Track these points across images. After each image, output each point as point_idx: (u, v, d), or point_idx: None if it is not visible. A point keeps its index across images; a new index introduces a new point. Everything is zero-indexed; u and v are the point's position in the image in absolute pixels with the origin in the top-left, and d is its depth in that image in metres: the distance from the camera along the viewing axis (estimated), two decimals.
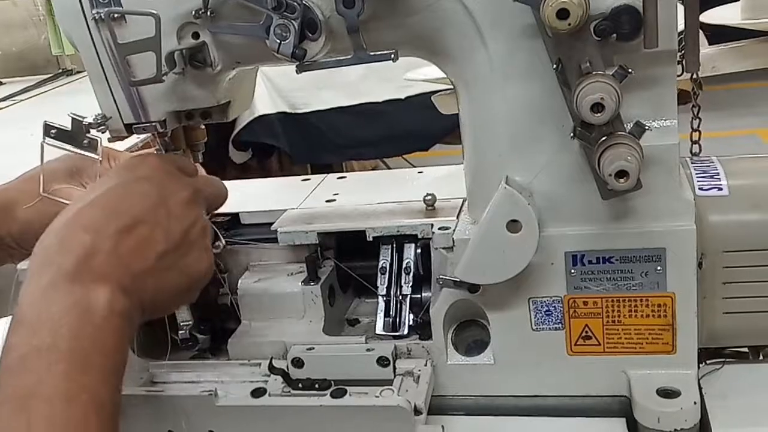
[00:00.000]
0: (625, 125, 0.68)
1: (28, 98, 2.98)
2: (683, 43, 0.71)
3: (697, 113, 0.94)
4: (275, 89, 2.83)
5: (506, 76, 0.72)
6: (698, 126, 0.94)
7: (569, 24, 0.62)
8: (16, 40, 3.64)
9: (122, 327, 0.63)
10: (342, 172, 3.22)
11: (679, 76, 0.73)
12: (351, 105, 2.85)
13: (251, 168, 3.12)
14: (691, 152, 0.92)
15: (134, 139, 0.95)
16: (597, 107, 0.64)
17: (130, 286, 0.65)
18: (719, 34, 1.46)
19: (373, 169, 3.85)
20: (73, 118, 0.82)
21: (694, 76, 0.89)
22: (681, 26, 0.69)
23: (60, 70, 3.39)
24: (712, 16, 1.41)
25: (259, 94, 2.78)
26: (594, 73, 0.65)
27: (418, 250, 0.84)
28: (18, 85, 3.18)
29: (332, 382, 0.78)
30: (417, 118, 2.76)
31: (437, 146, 2.95)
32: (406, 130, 2.87)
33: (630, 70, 0.66)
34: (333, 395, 0.75)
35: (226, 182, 1.03)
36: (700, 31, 1.51)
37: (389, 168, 3.55)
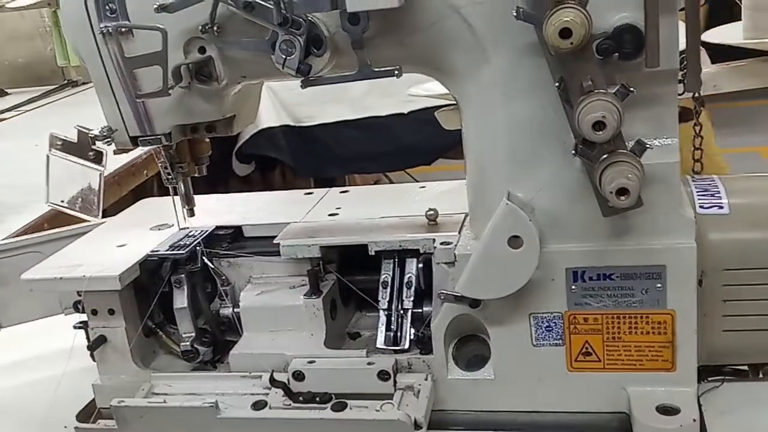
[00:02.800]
0: (626, 143, 0.68)
1: (33, 109, 3.00)
2: (685, 63, 0.72)
3: (699, 131, 0.95)
4: (279, 102, 2.84)
5: (509, 94, 0.73)
6: (700, 144, 0.95)
7: (571, 43, 0.62)
8: (22, 51, 3.67)
9: None
10: (345, 185, 3.21)
11: (680, 95, 0.73)
12: (354, 119, 2.86)
13: (254, 181, 3.12)
14: (693, 171, 0.93)
15: (139, 151, 0.96)
16: (598, 125, 0.64)
17: None
18: (721, 53, 1.47)
19: (375, 183, 3.86)
20: (79, 131, 0.84)
21: (696, 95, 0.90)
22: (683, 46, 0.70)
23: (65, 81, 3.40)
24: (714, 35, 1.42)
25: (263, 108, 2.79)
26: (596, 91, 0.66)
27: (420, 265, 0.84)
28: (23, 95, 3.19)
29: (333, 395, 0.78)
30: (420, 133, 2.76)
31: (440, 161, 2.95)
32: (409, 145, 2.87)
33: (632, 89, 0.66)
34: (333, 408, 0.76)
35: (229, 195, 1.04)
36: (702, 50, 1.53)
37: (392, 182, 3.56)
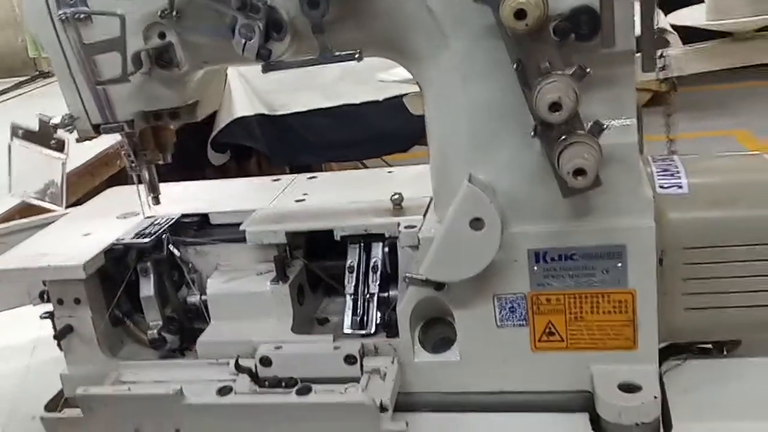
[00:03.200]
0: (584, 124, 0.69)
1: (3, 101, 2.96)
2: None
3: (670, 116, 0.96)
4: (253, 91, 2.83)
5: (468, 76, 0.73)
6: (670, 128, 0.96)
7: (527, 24, 0.63)
8: None
9: None
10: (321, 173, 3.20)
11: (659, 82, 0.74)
12: (329, 107, 2.85)
13: (230, 170, 3.11)
14: (669, 151, 0.94)
15: (111, 140, 0.95)
16: (555, 106, 0.65)
17: None
18: (693, 35, 1.48)
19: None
20: (40, 119, 0.83)
21: (662, 77, 0.91)
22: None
23: (37, 72, 3.36)
24: (680, 17, 1.43)
25: (237, 96, 2.77)
26: (553, 72, 0.66)
27: (386, 249, 0.84)
28: None
29: (299, 380, 0.78)
30: (395, 120, 2.76)
31: (416, 147, 2.96)
32: (385, 132, 2.87)
33: (588, 70, 0.67)
34: (298, 393, 0.76)
35: (195, 183, 1.04)
36: (674, 32, 1.54)
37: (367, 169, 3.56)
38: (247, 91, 2.82)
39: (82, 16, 0.76)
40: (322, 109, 2.87)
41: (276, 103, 2.86)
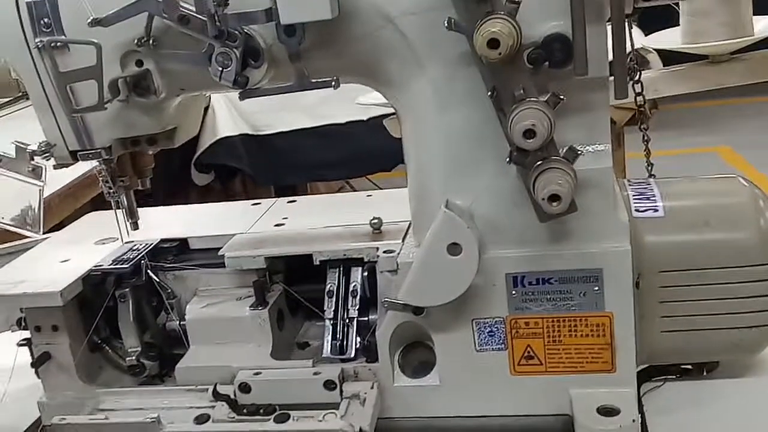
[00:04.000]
0: (559, 150, 0.70)
1: None
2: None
3: (646, 135, 0.97)
4: (237, 111, 2.83)
5: (445, 102, 0.73)
6: (647, 147, 0.97)
7: (500, 53, 0.63)
8: None
9: None
10: (307, 193, 3.21)
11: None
12: (314, 126, 2.86)
13: (214, 190, 3.10)
14: (648, 172, 0.94)
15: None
16: (529, 133, 0.65)
17: None
18: (670, 56, 1.49)
19: (339, 190, 3.86)
20: (17, 146, 0.83)
21: (640, 100, 0.92)
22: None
23: (20, 93, 3.35)
24: (657, 40, 1.45)
25: (221, 116, 2.77)
26: (527, 99, 0.67)
27: (365, 273, 0.84)
28: None
29: (277, 407, 0.78)
30: (379, 139, 2.76)
31: (400, 166, 2.97)
32: (369, 151, 2.87)
33: (562, 97, 0.67)
34: (276, 420, 0.76)
35: (175, 207, 1.04)
36: (655, 54, 1.55)
37: (354, 188, 3.56)
38: (231, 111, 2.82)
39: (58, 44, 0.76)
40: (306, 128, 2.87)
41: (260, 123, 2.87)
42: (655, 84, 1.28)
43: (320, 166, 2.97)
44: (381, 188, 3.42)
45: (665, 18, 1.30)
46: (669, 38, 1.41)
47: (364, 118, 2.82)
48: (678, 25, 1.38)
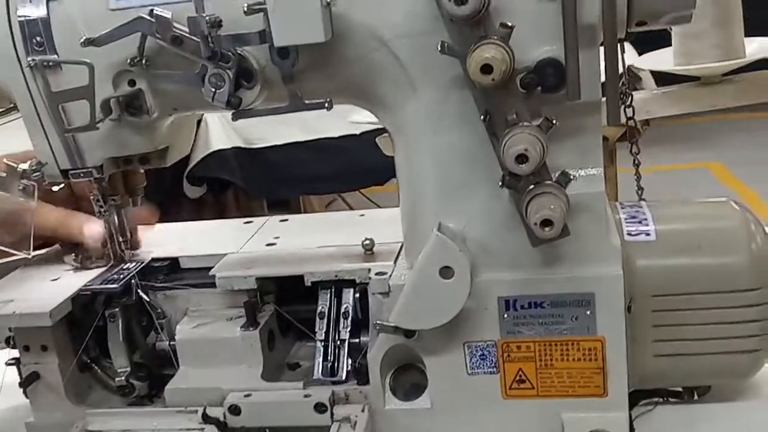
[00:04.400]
0: (552, 174, 0.70)
1: None
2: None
3: (636, 159, 0.97)
4: (230, 124, 2.82)
5: (438, 125, 0.73)
6: (637, 168, 0.97)
7: (493, 79, 0.63)
8: None
9: None
10: (300, 206, 3.19)
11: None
12: (307, 140, 2.86)
13: (207, 203, 3.09)
14: (639, 196, 0.95)
15: None
16: (521, 158, 0.65)
17: None
18: (663, 76, 1.50)
19: (330, 203, 3.86)
20: (7, 165, 0.82)
21: (631, 122, 0.92)
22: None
23: (11, 105, 3.34)
24: (649, 61, 1.46)
25: (213, 129, 2.77)
26: (520, 124, 0.67)
27: (357, 295, 0.84)
28: None
29: (267, 429, 0.77)
30: (373, 154, 2.76)
31: (393, 180, 2.97)
32: (362, 165, 2.87)
33: (554, 122, 0.67)
34: None
35: (166, 225, 1.03)
36: (648, 73, 1.56)
37: (347, 202, 3.56)
38: (224, 124, 2.82)
39: (50, 63, 0.76)
40: (299, 142, 2.87)
41: (253, 136, 2.86)
42: (647, 105, 1.29)
43: (313, 180, 2.97)
44: (373, 202, 3.44)
45: (659, 38, 1.31)
46: (662, 59, 1.42)
47: (357, 133, 2.82)
48: (666, 44, 1.39)
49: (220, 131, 2.81)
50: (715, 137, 4.79)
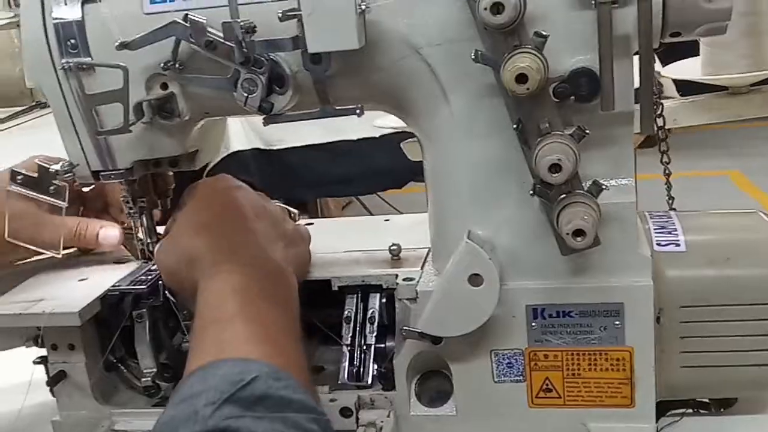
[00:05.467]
0: (583, 183, 0.69)
1: (1, 130, 2.96)
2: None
3: (667, 169, 0.96)
4: (250, 126, 2.84)
5: (469, 133, 0.73)
6: (668, 177, 0.96)
7: (527, 89, 0.63)
8: None
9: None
10: (317, 208, 3.19)
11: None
12: (325, 142, 2.86)
13: None
14: (669, 206, 0.94)
15: None
16: (555, 168, 0.65)
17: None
18: (687, 85, 1.49)
19: (347, 205, 3.87)
20: (39, 165, 0.83)
21: (660, 134, 0.92)
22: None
23: (34, 103, 3.37)
24: (676, 71, 1.45)
25: (233, 130, 2.78)
26: (552, 133, 0.67)
27: (383, 300, 0.84)
28: None
29: None
30: (391, 157, 2.77)
31: (411, 183, 2.97)
32: (380, 169, 2.87)
33: (587, 131, 0.67)
34: None
35: None
36: (671, 82, 1.55)
37: (364, 205, 3.56)
38: (244, 125, 2.83)
39: (84, 66, 0.76)
40: (318, 144, 2.88)
41: (272, 138, 2.87)
42: (674, 114, 1.28)
43: (331, 182, 2.97)
44: (390, 204, 3.44)
45: (683, 48, 1.31)
46: (688, 68, 1.41)
47: (377, 136, 2.83)
48: (696, 54, 1.39)
49: (240, 132, 2.82)
50: (734, 145, 4.76)
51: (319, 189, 3.03)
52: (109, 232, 0.93)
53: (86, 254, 0.98)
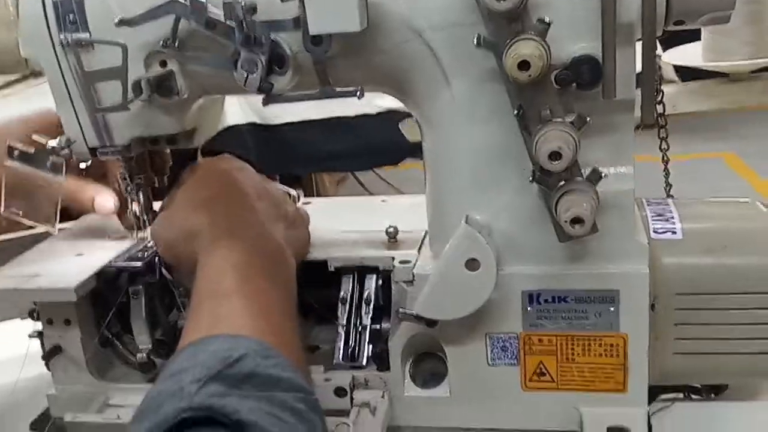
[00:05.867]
0: (582, 170, 0.69)
1: None
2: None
3: (665, 156, 0.96)
4: (246, 100, 2.82)
5: (469, 118, 0.73)
6: (666, 165, 0.96)
7: (530, 75, 0.63)
8: None
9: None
10: (312, 183, 3.18)
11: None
12: (322, 118, 2.85)
13: None
14: (667, 193, 0.94)
15: None
16: (555, 155, 0.65)
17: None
18: (687, 70, 1.49)
19: (342, 180, 3.86)
20: (36, 141, 0.82)
21: (660, 120, 0.92)
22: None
23: (29, 72, 3.34)
24: (676, 56, 1.44)
25: (229, 104, 2.75)
26: (553, 120, 0.66)
27: (379, 282, 0.84)
28: None
29: None
30: (388, 133, 2.76)
31: (407, 159, 2.96)
32: (376, 145, 2.86)
33: (588, 119, 0.67)
34: None
35: None
36: (671, 68, 1.54)
37: (359, 180, 3.56)
38: (239, 99, 2.81)
39: (83, 42, 0.75)
40: (314, 120, 2.86)
41: (269, 112, 2.86)
42: (674, 100, 1.28)
43: (327, 158, 2.96)
44: (385, 180, 3.44)
45: (684, 33, 1.30)
46: (689, 54, 1.40)
47: (373, 113, 2.81)
48: (697, 40, 1.38)
49: (236, 106, 2.80)
50: (731, 128, 4.75)
51: (314, 164, 3.01)
52: (105, 200, 0.92)
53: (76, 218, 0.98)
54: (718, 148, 4.53)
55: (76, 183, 0.92)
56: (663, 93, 0.80)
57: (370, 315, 0.85)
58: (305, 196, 1.09)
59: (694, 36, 1.38)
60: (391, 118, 2.71)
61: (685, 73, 1.44)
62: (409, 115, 0.83)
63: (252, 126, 2.84)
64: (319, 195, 3.32)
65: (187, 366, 0.61)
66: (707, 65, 1.33)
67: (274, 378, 0.61)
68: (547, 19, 0.65)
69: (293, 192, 0.91)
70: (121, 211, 0.93)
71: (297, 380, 0.63)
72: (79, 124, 0.81)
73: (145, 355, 0.89)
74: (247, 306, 0.69)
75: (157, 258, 0.89)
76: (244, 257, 0.73)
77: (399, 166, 3.07)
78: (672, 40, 1.45)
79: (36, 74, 3.34)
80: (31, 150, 0.83)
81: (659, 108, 0.84)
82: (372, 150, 2.94)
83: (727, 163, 4.46)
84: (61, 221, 0.94)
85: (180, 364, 0.62)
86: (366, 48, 0.73)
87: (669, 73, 1.58)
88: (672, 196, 0.89)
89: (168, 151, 0.91)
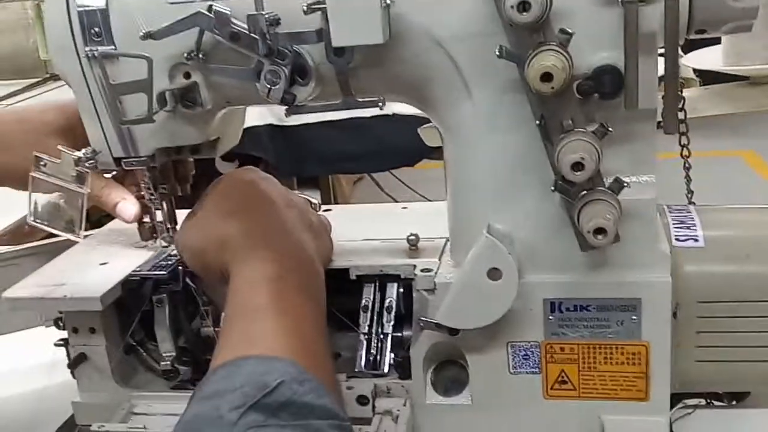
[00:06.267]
0: (604, 179, 0.70)
1: (15, 102, 2.96)
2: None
3: (687, 163, 0.96)
4: None
5: (491, 127, 0.74)
6: (687, 172, 0.96)
7: (552, 87, 0.63)
8: (3, 43, 3.62)
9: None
10: (328, 184, 3.19)
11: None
12: (339, 119, 2.86)
13: None
14: (689, 200, 0.94)
15: None
16: (577, 166, 0.65)
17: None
18: (707, 73, 1.48)
19: (358, 180, 3.87)
20: (62, 152, 0.83)
21: (681, 127, 0.91)
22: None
23: (48, 75, 3.37)
24: (697, 60, 1.44)
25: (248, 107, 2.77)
26: (575, 130, 0.67)
27: (401, 290, 0.85)
28: (4, 89, 3.16)
29: None
30: (404, 135, 2.76)
31: (423, 160, 2.97)
32: (393, 146, 2.87)
33: (610, 129, 0.67)
34: None
35: None
36: (690, 71, 1.54)
37: (375, 181, 3.56)
38: None
39: (109, 56, 0.76)
40: (331, 121, 2.87)
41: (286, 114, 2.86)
42: (695, 103, 1.27)
43: (344, 159, 2.97)
44: (402, 182, 3.44)
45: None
46: (709, 58, 1.40)
47: (390, 114, 2.82)
48: (717, 43, 1.37)
49: (254, 108, 2.81)
50: (750, 126, 4.72)
51: (331, 165, 3.03)
52: (128, 207, 0.92)
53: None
54: (736, 146, 4.50)
55: (105, 183, 0.92)
56: (684, 100, 0.80)
57: (392, 323, 0.85)
58: (322, 196, 1.09)
59: (714, 39, 1.37)
60: (406, 120, 2.71)
61: (705, 77, 1.43)
62: (427, 120, 0.84)
63: (269, 127, 2.85)
64: (335, 195, 3.33)
65: (222, 389, 0.62)
66: (728, 69, 1.33)
67: (309, 406, 0.62)
68: (569, 30, 0.65)
69: (314, 200, 0.92)
70: (141, 221, 0.94)
71: (331, 406, 0.64)
72: (105, 135, 0.82)
73: (169, 362, 0.90)
74: (280, 323, 0.69)
75: (180, 267, 0.90)
76: (277, 269, 0.73)
77: (415, 166, 3.08)
78: (692, 43, 1.44)
79: (55, 77, 3.37)
80: (57, 161, 0.84)
81: (680, 115, 0.84)
82: (388, 151, 2.94)
83: (746, 162, 4.43)
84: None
85: (216, 385, 0.63)
86: (388, 58, 0.73)
87: (688, 73, 1.57)
88: (694, 203, 0.89)
89: (191, 160, 0.91)
